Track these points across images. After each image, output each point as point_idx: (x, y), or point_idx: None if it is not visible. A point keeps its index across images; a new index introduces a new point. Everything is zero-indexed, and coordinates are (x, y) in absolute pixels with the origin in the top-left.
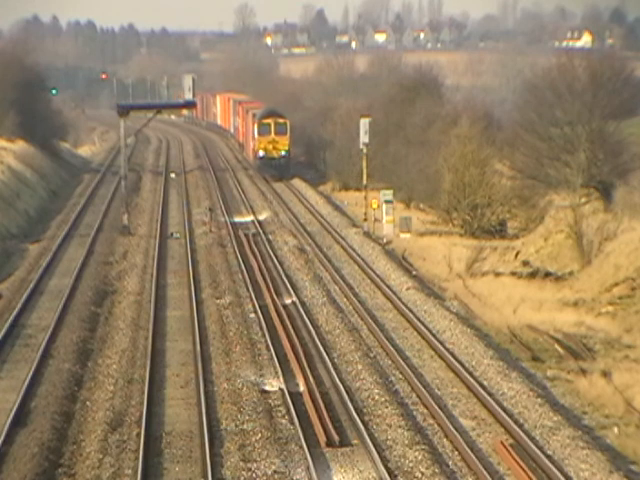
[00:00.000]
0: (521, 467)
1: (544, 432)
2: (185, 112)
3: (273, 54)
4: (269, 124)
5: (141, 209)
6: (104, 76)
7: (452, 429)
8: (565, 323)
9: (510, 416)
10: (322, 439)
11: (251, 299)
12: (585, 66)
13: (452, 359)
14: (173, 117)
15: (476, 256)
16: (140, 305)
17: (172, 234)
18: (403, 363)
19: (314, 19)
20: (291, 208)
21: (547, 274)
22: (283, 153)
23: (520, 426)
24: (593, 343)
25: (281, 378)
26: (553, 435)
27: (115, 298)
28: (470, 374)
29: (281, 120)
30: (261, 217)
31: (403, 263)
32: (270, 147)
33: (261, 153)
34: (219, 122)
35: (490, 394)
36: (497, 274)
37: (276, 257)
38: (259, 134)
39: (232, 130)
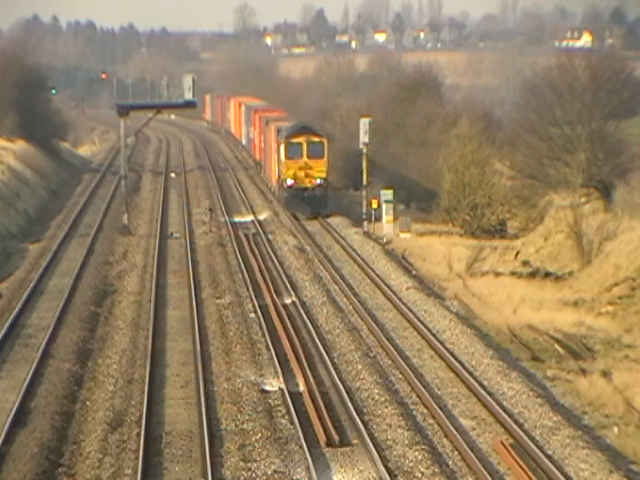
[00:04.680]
0: (521, 467)
1: (544, 432)
2: (208, 117)
3: (273, 54)
4: (300, 144)
5: (141, 209)
6: (104, 76)
7: (452, 429)
8: (565, 323)
9: (510, 416)
10: (322, 439)
11: (251, 299)
12: (585, 66)
13: (452, 359)
14: (173, 117)
15: (476, 256)
16: (140, 305)
17: (172, 234)
18: (403, 363)
19: (314, 19)
20: None
21: (547, 274)
22: (319, 181)
23: (520, 426)
24: (593, 343)
25: (281, 378)
26: (553, 435)
27: (115, 298)
28: (470, 374)
29: (316, 139)
30: (261, 217)
31: (403, 263)
32: (302, 174)
33: (289, 181)
34: (232, 130)
35: (490, 394)
36: (497, 274)
37: (276, 257)
38: (287, 157)
39: (244, 142)
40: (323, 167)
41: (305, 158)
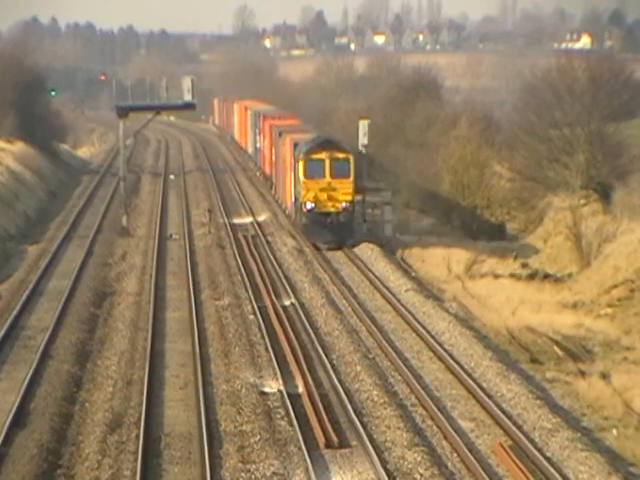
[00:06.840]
0: (520, 469)
1: (543, 434)
2: (217, 122)
3: (272, 56)
4: (322, 161)
5: (140, 210)
6: (103, 77)
7: (451, 430)
8: (564, 325)
9: (509, 418)
10: (321, 441)
11: (250, 301)
12: (584, 68)
13: (451, 361)
14: (172, 118)
15: (475, 258)
16: (139, 306)
17: (171, 235)
18: (402, 365)
19: (313, 20)
20: None
21: (546, 276)
22: (344, 205)
23: (519, 428)
24: (592, 345)
25: (280, 380)
26: (552, 437)
27: (114, 299)
28: (469, 375)
29: (341, 155)
30: (260, 218)
31: (402, 265)
32: (324, 197)
33: (309, 205)
34: (237, 137)
35: (489, 396)
36: (496, 276)
37: (275, 258)
38: (306, 176)
39: (250, 151)
40: (349, 188)
41: (328, 178)
